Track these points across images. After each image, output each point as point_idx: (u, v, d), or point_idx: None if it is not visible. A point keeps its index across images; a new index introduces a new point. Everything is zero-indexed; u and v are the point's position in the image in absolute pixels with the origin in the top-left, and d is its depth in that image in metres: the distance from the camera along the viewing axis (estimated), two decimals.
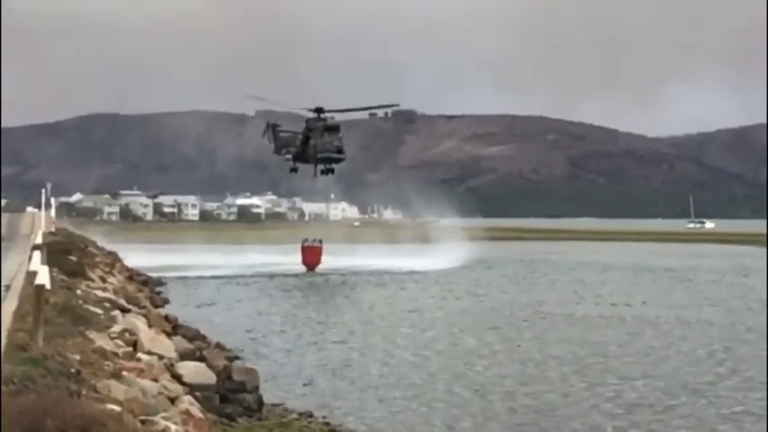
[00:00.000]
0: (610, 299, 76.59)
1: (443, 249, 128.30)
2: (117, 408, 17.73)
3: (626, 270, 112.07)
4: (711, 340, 52.58)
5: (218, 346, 41.72)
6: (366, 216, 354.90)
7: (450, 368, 43.21)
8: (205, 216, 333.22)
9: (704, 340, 52.57)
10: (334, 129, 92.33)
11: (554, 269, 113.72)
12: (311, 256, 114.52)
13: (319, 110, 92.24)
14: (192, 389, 26.56)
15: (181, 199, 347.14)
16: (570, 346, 49.84)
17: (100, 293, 40.62)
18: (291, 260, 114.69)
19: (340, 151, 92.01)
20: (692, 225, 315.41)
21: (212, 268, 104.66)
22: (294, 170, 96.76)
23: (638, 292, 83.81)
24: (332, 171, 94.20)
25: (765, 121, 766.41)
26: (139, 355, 26.94)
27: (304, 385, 38.64)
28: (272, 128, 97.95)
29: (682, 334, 55.23)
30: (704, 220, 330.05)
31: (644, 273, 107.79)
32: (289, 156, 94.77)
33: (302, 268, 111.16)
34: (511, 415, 33.55)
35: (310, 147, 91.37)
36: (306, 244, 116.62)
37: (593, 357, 46.08)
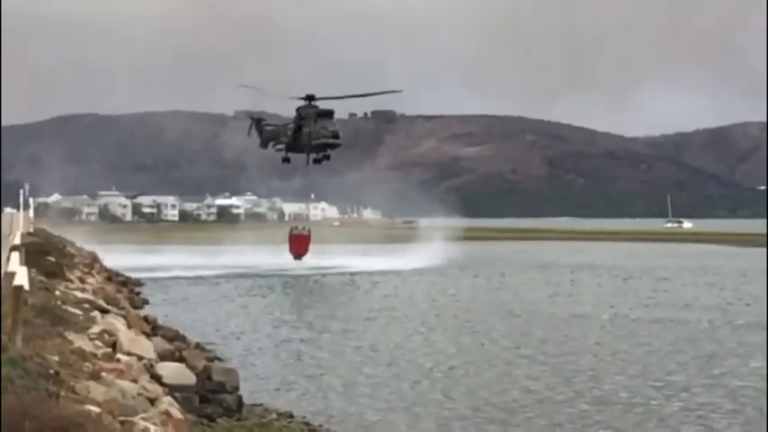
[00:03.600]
0: (582, 298, 76.97)
1: (421, 249, 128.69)
2: (96, 409, 17.72)
3: (601, 269, 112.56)
4: (683, 339, 52.72)
5: (198, 346, 41.64)
6: (346, 216, 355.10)
7: (410, 366, 43.48)
8: (184, 216, 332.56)
9: (675, 339, 52.73)
10: (327, 114, 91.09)
11: (530, 269, 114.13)
12: (298, 245, 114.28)
13: (310, 97, 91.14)
14: (171, 389, 26.54)
15: (160, 199, 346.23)
16: (536, 344, 50.34)
17: (79, 294, 40.52)
18: (268, 261, 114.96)
19: (336, 136, 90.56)
20: (669, 225, 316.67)
21: (189, 269, 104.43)
22: (286, 160, 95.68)
23: (611, 291, 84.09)
24: (327, 158, 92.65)
25: (742, 120, 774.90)
26: (119, 355, 26.90)
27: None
28: (257, 122, 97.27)
29: (651, 333, 55.37)
30: (682, 219, 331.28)
31: (619, 272, 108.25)
32: (280, 146, 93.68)
33: (277, 268, 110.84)
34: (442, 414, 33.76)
35: (304, 134, 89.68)
36: (294, 232, 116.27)
37: (560, 356, 46.31)
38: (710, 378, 40.36)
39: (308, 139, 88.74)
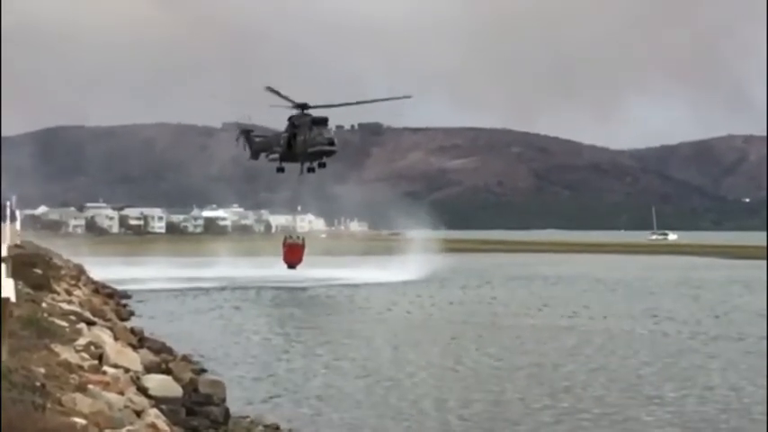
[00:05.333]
0: (563, 310, 77.03)
1: (406, 261, 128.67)
2: (82, 421, 17.80)
3: (584, 282, 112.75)
4: (660, 350, 52.82)
5: (185, 358, 41.63)
6: (332, 228, 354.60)
7: (384, 377, 43.63)
8: (171, 228, 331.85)
9: (651, 350, 52.88)
10: (322, 122, 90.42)
11: (513, 281, 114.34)
12: (292, 254, 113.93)
13: (303, 105, 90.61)
14: (157, 402, 26.58)
15: (147, 211, 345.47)
16: (511, 355, 50.60)
17: (65, 306, 40.52)
18: (253, 273, 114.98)
19: (332, 143, 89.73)
20: (654, 237, 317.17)
21: (171, 281, 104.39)
22: (281, 170, 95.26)
23: (593, 303, 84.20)
24: (323, 165, 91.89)
25: (725, 134, 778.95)
26: (105, 368, 26.93)
27: None
28: (246, 134, 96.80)
29: (628, 344, 55.56)
30: (667, 231, 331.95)
31: (602, 284, 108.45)
32: (274, 156, 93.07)
33: (261, 280, 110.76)
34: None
35: (299, 143, 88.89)
36: (288, 242, 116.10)
37: (533, 367, 46.51)
38: (684, 389, 40.60)
39: (303, 147, 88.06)
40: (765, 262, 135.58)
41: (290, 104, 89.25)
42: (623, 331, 61.86)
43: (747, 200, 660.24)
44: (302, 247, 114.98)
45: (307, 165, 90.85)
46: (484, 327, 64.71)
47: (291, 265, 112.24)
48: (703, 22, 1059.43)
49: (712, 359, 49.76)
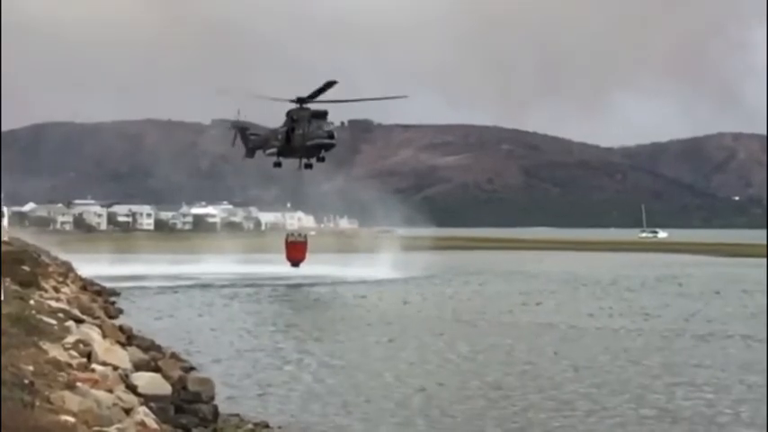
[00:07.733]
0: (548, 307, 77.02)
1: (394, 259, 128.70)
2: (71, 419, 17.71)
3: (571, 279, 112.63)
4: (640, 348, 52.77)
5: (174, 356, 41.49)
6: (322, 225, 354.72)
7: (355, 373, 43.69)
8: (160, 225, 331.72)
9: (632, 347, 52.86)
10: (321, 115, 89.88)
11: (500, 278, 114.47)
12: (295, 251, 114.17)
13: (301, 99, 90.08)
14: (146, 399, 26.50)
15: (135, 208, 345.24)
16: (487, 352, 50.63)
17: (53, 304, 40.37)
18: (241, 270, 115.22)
19: (332, 136, 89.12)
20: (644, 234, 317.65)
21: (161, 279, 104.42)
22: (278, 165, 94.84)
23: (578, 300, 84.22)
24: (322, 159, 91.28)
25: (715, 131, 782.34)
26: (94, 365, 26.82)
27: None
28: (241, 131, 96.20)
29: (610, 341, 55.56)
30: (657, 229, 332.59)
31: (588, 282, 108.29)
32: (272, 150, 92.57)
33: (249, 277, 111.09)
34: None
35: (297, 137, 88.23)
36: (291, 239, 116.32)
37: (506, 365, 46.52)
38: (664, 386, 40.60)
39: (301, 141, 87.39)
40: (753, 260, 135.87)
41: (250, 95, 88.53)
42: (610, 329, 61.77)
43: (737, 198, 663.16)
44: (305, 244, 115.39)
45: (304, 161, 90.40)
46: (470, 325, 64.67)
47: (295, 263, 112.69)
48: (693, 19, 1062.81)
49: (679, 354, 49.95)
